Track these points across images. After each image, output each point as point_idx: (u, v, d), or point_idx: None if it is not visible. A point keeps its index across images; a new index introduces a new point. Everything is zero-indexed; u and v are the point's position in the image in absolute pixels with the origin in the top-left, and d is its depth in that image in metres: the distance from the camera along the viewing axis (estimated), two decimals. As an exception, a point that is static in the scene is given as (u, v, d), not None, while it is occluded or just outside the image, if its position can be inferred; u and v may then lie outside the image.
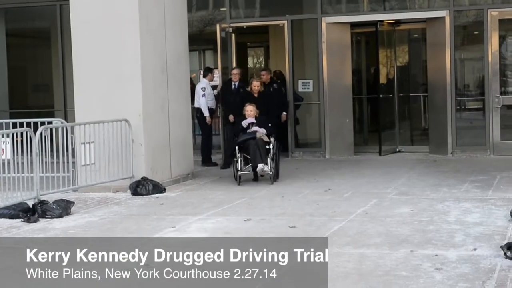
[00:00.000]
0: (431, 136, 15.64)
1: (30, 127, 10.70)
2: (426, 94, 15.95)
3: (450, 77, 15.12)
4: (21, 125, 11.45)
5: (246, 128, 12.49)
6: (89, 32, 11.83)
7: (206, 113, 14.53)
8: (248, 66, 23.31)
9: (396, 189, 11.21)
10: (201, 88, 14.70)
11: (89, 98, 11.81)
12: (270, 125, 12.56)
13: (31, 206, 9.83)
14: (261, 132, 12.28)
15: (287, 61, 15.91)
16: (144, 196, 11.27)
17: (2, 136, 10.00)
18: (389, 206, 9.89)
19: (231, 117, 14.14)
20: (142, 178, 11.57)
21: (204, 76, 15.04)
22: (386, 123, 16.16)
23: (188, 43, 13.29)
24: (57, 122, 11.89)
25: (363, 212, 9.50)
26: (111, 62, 11.75)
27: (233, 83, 14.65)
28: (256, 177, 12.40)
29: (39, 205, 9.78)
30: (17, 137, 10.32)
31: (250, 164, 12.11)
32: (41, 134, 10.44)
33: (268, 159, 11.97)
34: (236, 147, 12.13)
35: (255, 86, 13.60)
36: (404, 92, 16.64)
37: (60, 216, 9.68)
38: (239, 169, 12.05)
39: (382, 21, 15.73)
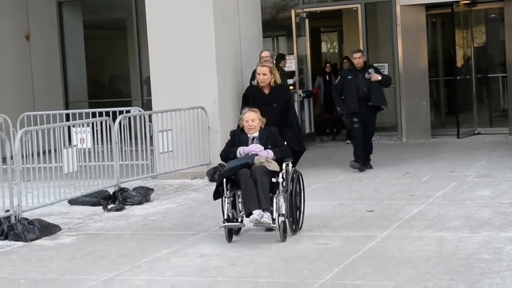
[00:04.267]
0: (511, 117, 15.31)
1: (109, 117, 10.90)
2: (505, 74, 15.60)
3: (530, 57, 14.77)
4: (100, 114, 11.69)
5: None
6: (164, 21, 11.96)
7: None
8: (322, 51, 23.22)
9: (476, 172, 11.03)
10: None
11: (166, 86, 11.95)
12: (285, 143, 7.95)
13: (111, 194, 10.03)
14: (263, 155, 7.57)
15: (361, 45, 15.76)
16: (222, 183, 11.34)
17: (83, 126, 10.19)
18: (469, 189, 9.74)
19: None
20: (219, 164, 11.63)
21: (277, 63, 14.96)
22: (464, 105, 15.91)
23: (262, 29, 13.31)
24: (135, 110, 12.08)
25: (442, 195, 9.39)
26: (186, 50, 11.85)
27: None
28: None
29: (120, 192, 9.98)
30: (96, 126, 10.52)
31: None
32: (120, 123, 10.62)
33: (274, 200, 7.42)
34: (224, 180, 7.48)
35: (262, 75, 8.51)
36: (482, 73, 16.33)
37: (140, 203, 9.85)
38: (225, 217, 7.43)
39: (458, 1, 15.44)
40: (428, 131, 15.57)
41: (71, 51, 17.67)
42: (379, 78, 11.69)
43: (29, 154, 9.31)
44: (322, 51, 23.27)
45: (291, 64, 15.40)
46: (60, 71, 17.44)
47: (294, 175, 7.70)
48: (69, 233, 8.36)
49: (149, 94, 13.14)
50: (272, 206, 7.39)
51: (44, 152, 9.82)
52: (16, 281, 6.53)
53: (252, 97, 8.60)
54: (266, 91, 8.56)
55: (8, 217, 8.26)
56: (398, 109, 15.58)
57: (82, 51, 17.93)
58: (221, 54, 11.92)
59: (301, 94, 15.52)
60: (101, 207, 9.66)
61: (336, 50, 23.70)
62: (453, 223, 7.84)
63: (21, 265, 7.09)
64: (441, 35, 17.67)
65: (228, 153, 7.78)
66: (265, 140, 7.72)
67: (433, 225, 7.79)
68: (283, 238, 7.39)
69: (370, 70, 11.75)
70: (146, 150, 11.36)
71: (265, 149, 7.64)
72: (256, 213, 7.22)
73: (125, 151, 11.09)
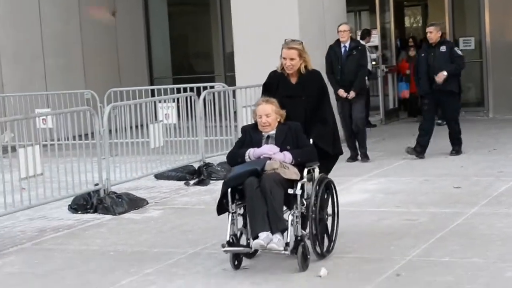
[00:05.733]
0: None
1: (193, 92, 10.99)
2: None
3: None
4: (185, 90, 11.79)
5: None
6: (248, -2, 11.99)
7: None
8: (405, 26, 22.84)
9: None
10: None
11: (249, 62, 11.97)
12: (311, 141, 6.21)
13: (196, 168, 10.14)
14: (277, 159, 5.94)
15: (447, 19, 15.45)
16: (305, 158, 11.31)
17: (168, 101, 10.31)
18: (560, 165, 9.50)
19: (341, 92, 10.55)
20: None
21: (362, 39, 14.75)
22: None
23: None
24: (219, 86, 12.14)
25: (532, 172, 9.18)
26: (269, 25, 11.84)
27: (342, 44, 10.84)
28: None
29: (205, 167, 10.08)
30: (181, 102, 10.62)
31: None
32: (204, 98, 10.69)
33: (290, 217, 5.76)
34: (229, 191, 5.93)
35: (289, 59, 6.47)
36: None
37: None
38: (228, 239, 5.89)
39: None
40: (517, 106, 15.21)
41: (155, 28, 17.89)
42: (445, 75, 10.36)
43: (116, 129, 9.48)
44: (405, 25, 22.89)
45: (374, 39, 15.24)
46: (145, 47, 17.68)
47: (322, 183, 6.04)
48: (156, 207, 8.50)
49: (232, 69, 13.19)
50: (284, 228, 5.69)
51: (131, 127, 10.00)
52: (106, 253, 6.69)
53: (275, 86, 6.51)
54: (293, 79, 6.47)
55: (97, 191, 8.45)
56: (485, 84, 15.24)
57: (166, 27, 18.14)
58: (304, 29, 11.87)
59: (384, 69, 15.34)
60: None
61: (420, 25, 23.29)
62: (544, 200, 7.67)
63: (110, 237, 7.25)
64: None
65: (236, 156, 6.16)
66: (283, 138, 6.04)
67: (523, 202, 7.64)
68: (302, 267, 5.72)
69: (442, 48, 10.53)
70: (230, 126, 11.42)
71: (281, 150, 6.00)
72: (263, 236, 5.62)
73: (209, 126, 11.17)
